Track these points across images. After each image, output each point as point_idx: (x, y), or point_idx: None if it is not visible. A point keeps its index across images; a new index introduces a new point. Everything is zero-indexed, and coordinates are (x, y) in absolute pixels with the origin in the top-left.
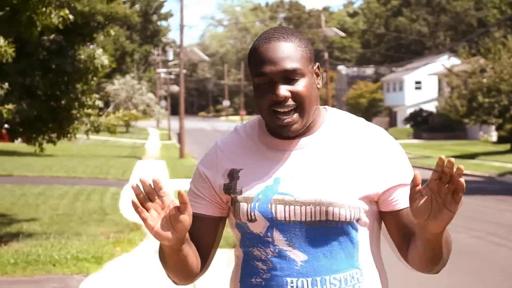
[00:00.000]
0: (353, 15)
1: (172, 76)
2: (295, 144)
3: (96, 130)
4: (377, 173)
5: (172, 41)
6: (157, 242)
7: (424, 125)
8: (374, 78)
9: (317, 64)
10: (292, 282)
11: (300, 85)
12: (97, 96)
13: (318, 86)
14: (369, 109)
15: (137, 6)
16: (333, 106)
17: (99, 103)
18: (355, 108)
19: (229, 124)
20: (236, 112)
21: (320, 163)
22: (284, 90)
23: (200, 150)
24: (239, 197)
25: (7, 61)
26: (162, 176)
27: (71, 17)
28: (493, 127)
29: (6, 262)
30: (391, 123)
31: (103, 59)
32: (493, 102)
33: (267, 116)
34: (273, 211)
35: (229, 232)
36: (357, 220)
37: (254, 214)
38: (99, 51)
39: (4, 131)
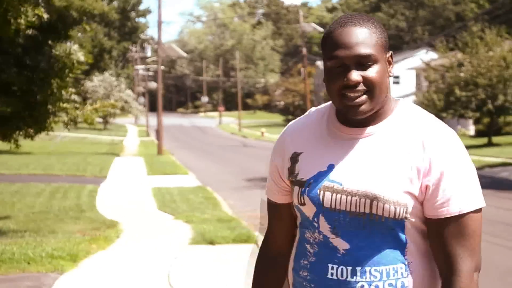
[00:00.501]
0: (331, 10)
1: (151, 73)
2: (359, 133)
3: (74, 122)
4: (420, 169)
5: (150, 37)
6: (133, 238)
7: None
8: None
9: (391, 52)
10: (332, 269)
11: (373, 71)
12: (73, 90)
13: (390, 74)
14: None
15: (115, 3)
16: (311, 101)
17: (75, 97)
18: None
19: (207, 120)
20: (214, 108)
21: (376, 155)
22: (356, 74)
23: (179, 146)
24: (294, 180)
25: None
26: (140, 172)
27: (45, 15)
28: (470, 121)
29: None
30: None
31: (79, 55)
32: (471, 96)
33: (337, 99)
34: (321, 197)
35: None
36: (405, 218)
37: (304, 198)
38: (75, 47)
39: None
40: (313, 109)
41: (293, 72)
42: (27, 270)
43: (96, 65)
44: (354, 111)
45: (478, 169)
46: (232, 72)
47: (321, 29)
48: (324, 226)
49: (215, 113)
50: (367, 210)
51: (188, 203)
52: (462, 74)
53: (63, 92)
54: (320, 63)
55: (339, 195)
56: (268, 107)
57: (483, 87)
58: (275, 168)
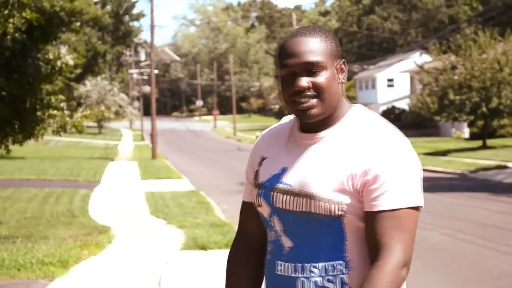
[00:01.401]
0: (325, 14)
1: (145, 77)
2: (311, 138)
3: (64, 130)
4: (359, 165)
5: (144, 41)
6: (124, 244)
7: (396, 122)
8: (346, 76)
9: (343, 60)
10: (280, 266)
11: (321, 77)
12: (62, 97)
13: (343, 81)
14: None
15: (108, 7)
16: None
17: (64, 105)
18: None
19: (202, 124)
20: (209, 112)
21: (320, 157)
22: (304, 81)
23: (173, 150)
24: (255, 183)
25: None
26: (134, 177)
27: (33, 18)
28: (465, 124)
29: None
30: None
31: (68, 58)
32: (464, 99)
33: (290, 105)
34: (273, 199)
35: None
36: (342, 215)
37: (259, 200)
38: (63, 50)
39: None
40: (288, 117)
41: None
42: (17, 277)
43: (90, 69)
44: (305, 115)
45: (472, 172)
46: (227, 75)
47: None
48: (277, 225)
49: (210, 117)
50: (307, 209)
51: (181, 208)
52: (455, 77)
53: (53, 98)
54: None
55: (287, 196)
56: (263, 111)
57: (477, 90)
58: (249, 170)
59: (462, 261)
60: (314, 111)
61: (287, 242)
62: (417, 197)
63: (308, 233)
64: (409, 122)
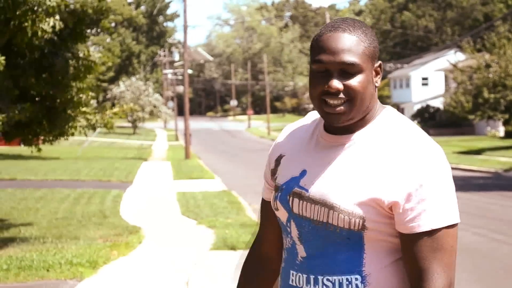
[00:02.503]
0: (359, 13)
1: (179, 77)
2: (336, 140)
3: (93, 127)
4: (392, 181)
5: (178, 41)
6: (154, 244)
7: (431, 121)
8: (381, 78)
9: (380, 62)
10: (293, 275)
11: (355, 81)
12: (92, 94)
13: (376, 84)
14: None
15: (142, 8)
16: None
17: (94, 102)
18: None
19: (236, 124)
20: (243, 112)
21: (344, 164)
22: (337, 82)
23: (207, 150)
24: (274, 183)
25: None
26: (166, 177)
27: (60, 23)
28: (500, 122)
29: None
30: None
31: (96, 56)
32: (499, 98)
33: (317, 103)
34: (290, 203)
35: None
36: (362, 229)
37: (276, 203)
38: (92, 48)
39: None
40: (313, 112)
41: None
42: (46, 278)
43: (124, 69)
44: (332, 119)
45: (506, 171)
46: (261, 75)
47: None
48: (294, 232)
49: (244, 117)
50: (324, 219)
51: (212, 208)
52: (490, 75)
53: (83, 95)
54: None
55: (305, 202)
56: (297, 110)
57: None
58: (266, 168)
59: (494, 262)
60: (342, 117)
61: (301, 251)
62: (455, 214)
63: (324, 243)
64: (443, 121)
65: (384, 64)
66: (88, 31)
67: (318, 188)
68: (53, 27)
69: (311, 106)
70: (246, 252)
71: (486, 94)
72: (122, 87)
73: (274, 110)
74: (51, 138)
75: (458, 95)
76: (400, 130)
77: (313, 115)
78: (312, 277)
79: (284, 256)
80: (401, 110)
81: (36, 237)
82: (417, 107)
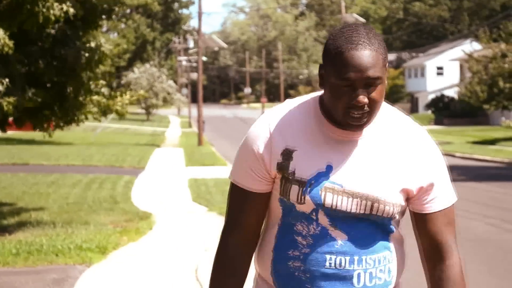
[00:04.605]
0: (375, 1)
1: (194, 64)
2: (354, 134)
3: (104, 114)
4: (414, 170)
5: (193, 28)
6: (164, 231)
7: (445, 111)
8: (395, 64)
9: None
10: (330, 259)
11: (377, 92)
12: (103, 82)
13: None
14: (390, 95)
15: None
16: None
17: (105, 90)
18: None
19: (250, 111)
20: (257, 99)
21: (370, 156)
22: (363, 97)
23: (220, 137)
24: (292, 179)
25: (7, 53)
26: (178, 164)
27: (71, 10)
28: None
29: (8, 253)
30: (413, 109)
31: (107, 46)
32: None
33: (340, 113)
34: (323, 198)
35: None
36: (397, 214)
37: (304, 198)
38: (103, 40)
39: (10, 119)
40: (290, 101)
41: None
42: (54, 262)
43: (139, 56)
44: (355, 128)
45: None
46: (275, 63)
47: (363, 20)
48: (323, 220)
49: (258, 104)
50: (367, 212)
51: (223, 195)
52: (506, 65)
53: (93, 84)
54: None
55: (340, 196)
56: None
57: None
58: (258, 158)
59: (506, 252)
60: (364, 125)
61: (340, 235)
62: (454, 192)
63: (364, 228)
64: (458, 110)
65: (399, 53)
66: (102, 19)
67: (355, 183)
68: (66, 12)
69: None
70: None
71: (501, 84)
72: (137, 73)
73: (288, 98)
74: (62, 124)
75: (473, 84)
76: (399, 122)
77: (298, 107)
78: (356, 257)
79: (307, 243)
80: (416, 100)
81: (47, 222)
82: (431, 96)
